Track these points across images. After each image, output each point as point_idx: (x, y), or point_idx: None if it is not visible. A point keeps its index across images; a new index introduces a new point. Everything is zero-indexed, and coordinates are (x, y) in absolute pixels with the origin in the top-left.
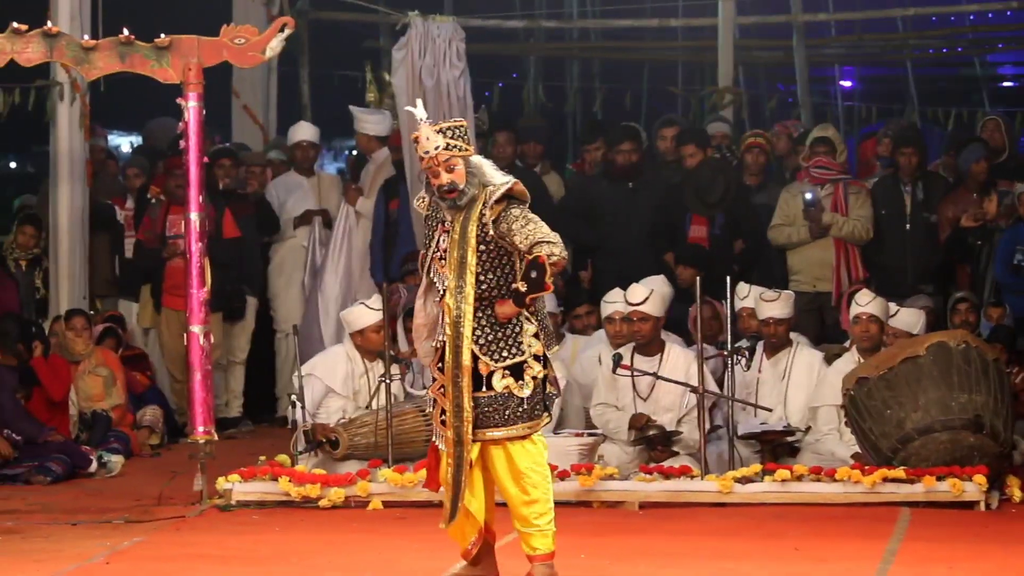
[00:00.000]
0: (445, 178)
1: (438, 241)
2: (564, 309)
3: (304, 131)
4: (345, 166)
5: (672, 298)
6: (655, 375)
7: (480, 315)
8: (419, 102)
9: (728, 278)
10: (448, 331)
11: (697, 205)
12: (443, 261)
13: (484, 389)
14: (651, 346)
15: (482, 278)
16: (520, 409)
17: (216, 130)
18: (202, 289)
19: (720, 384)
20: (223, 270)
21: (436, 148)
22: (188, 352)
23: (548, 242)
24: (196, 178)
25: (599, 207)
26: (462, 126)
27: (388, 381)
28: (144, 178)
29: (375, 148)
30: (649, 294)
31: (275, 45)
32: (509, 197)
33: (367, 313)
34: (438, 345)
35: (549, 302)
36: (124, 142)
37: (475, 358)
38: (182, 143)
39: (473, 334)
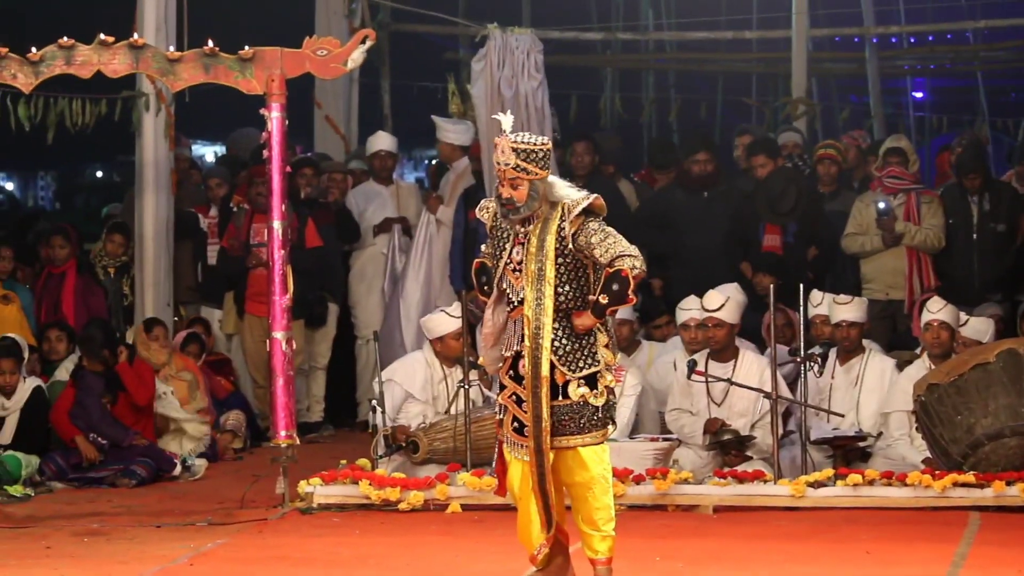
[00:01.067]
0: (506, 192)
1: (511, 252)
2: (640, 317)
3: (382, 141)
4: (425, 175)
5: (746, 306)
6: (729, 381)
7: (557, 326)
8: (508, 113)
9: (801, 285)
10: (527, 342)
11: (769, 214)
12: (518, 273)
13: (560, 398)
14: (725, 352)
15: (560, 290)
16: (595, 417)
17: (298, 140)
18: (285, 296)
19: (793, 390)
20: (305, 277)
21: (507, 164)
22: (271, 358)
23: (629, 255)
24: (279, 187)
25: (674, 216)
26: (543, 149)
27: (467, 387)
28: (227, 188)
29: (456, 157)
30: (725, 301)
31: (356, 57)
32: (587, 211)
33: (446, 320)
34: (509, 354)
35: (620, 311)
36: (208, 152)
37: (552, 367)
38: (265, 153)
39: (552, 345)
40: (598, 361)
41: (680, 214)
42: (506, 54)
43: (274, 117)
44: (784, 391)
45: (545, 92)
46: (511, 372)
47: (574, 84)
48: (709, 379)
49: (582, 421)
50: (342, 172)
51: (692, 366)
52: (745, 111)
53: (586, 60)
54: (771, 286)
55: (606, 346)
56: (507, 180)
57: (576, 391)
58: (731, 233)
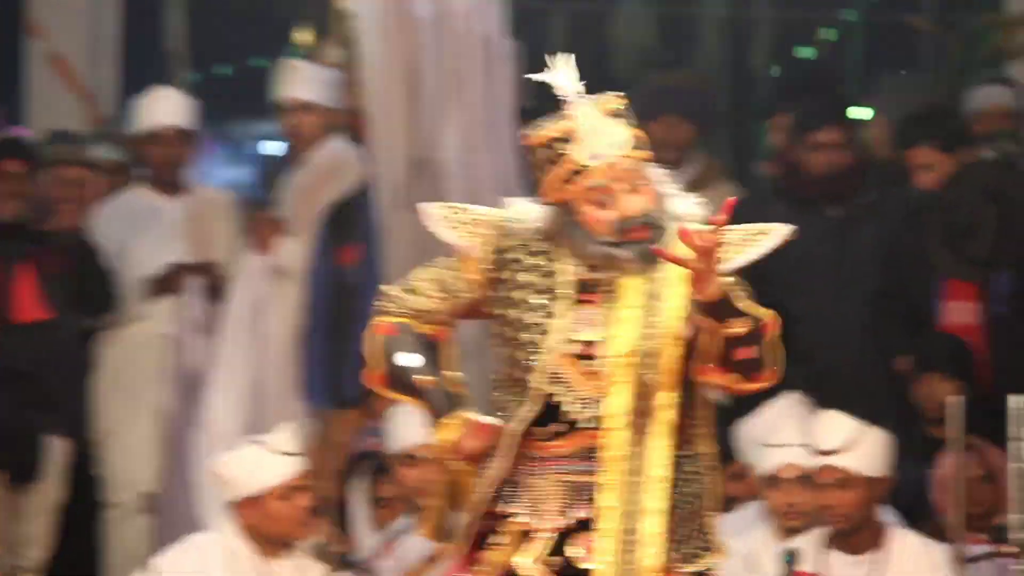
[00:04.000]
0: (635, 204)
1: (544, 319)
2: None
3: (167, 107)
4: (255, 176)
5: (899, 445)
6: None
7: (677, 474)
8: (567, 63)
9: (1015, 401)
10: (610, 503)
11: (952, 259)
12: (586, 363)
13: None
14: (858, 535)
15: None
16: None
17: None
18: None
19: None
20: (6, 387)
21: (620, 148)
22: None
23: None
24: None
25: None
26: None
27: None
28: None
29: (312, 136)
30: (855, 434)
31: None
32: None
33: (270, 463)
34: (548, 525)
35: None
36: None
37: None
38: None
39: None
40: (711, 545)
41: (779, 252)
42: None
43: None
44: None
45: (499, 7)
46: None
47: None
48: None
49: None
50: (82, 166)
51: (791, 560)
52: (907, 44)
53: None
54: (957, 401)
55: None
56: (626, 179)
57: None
58: (881, 295)
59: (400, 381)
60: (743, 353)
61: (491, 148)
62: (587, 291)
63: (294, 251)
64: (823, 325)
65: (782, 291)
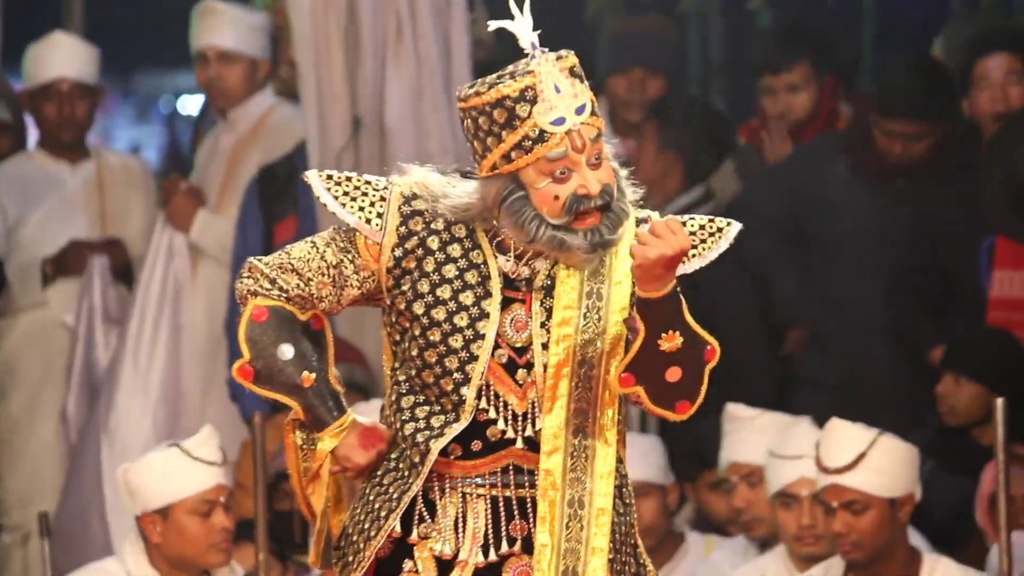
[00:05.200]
0: (597, 180)
1: (478, 323)
2: (682, 473)
3: (61, 56)
4: (167, 141)
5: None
6: None
7: (616, 490)
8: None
9: None
10: (547, 529)
11: (1010, 214)
12: (522, 372)
13: None
14: (884, 566)
15: (621, 409)
16: None
17: None
18: None
19: None
20: None
21: (581, 114)
22: None
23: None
24: None
25: (824, 227)
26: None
27: None
28: None
29: (236, 91)
30: (868, 446)
31: None
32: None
33: (183, 470)
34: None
35: (655, 469)
36: None
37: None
38: None
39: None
40: (646, 568)
41: (840, 221)
42: None
43: None
44: None
45: None
46: None
47: None
48: None
49: None
50: None
51: None
52: None
53: None
54: (998, 404)
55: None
56: (590, 152)
57: None
58: (911, 270)
59: (277, 377)
60: (673, 374)
61: (443, 106)
62: (513, 287)
63: (217, 227)
64: (849, 313)
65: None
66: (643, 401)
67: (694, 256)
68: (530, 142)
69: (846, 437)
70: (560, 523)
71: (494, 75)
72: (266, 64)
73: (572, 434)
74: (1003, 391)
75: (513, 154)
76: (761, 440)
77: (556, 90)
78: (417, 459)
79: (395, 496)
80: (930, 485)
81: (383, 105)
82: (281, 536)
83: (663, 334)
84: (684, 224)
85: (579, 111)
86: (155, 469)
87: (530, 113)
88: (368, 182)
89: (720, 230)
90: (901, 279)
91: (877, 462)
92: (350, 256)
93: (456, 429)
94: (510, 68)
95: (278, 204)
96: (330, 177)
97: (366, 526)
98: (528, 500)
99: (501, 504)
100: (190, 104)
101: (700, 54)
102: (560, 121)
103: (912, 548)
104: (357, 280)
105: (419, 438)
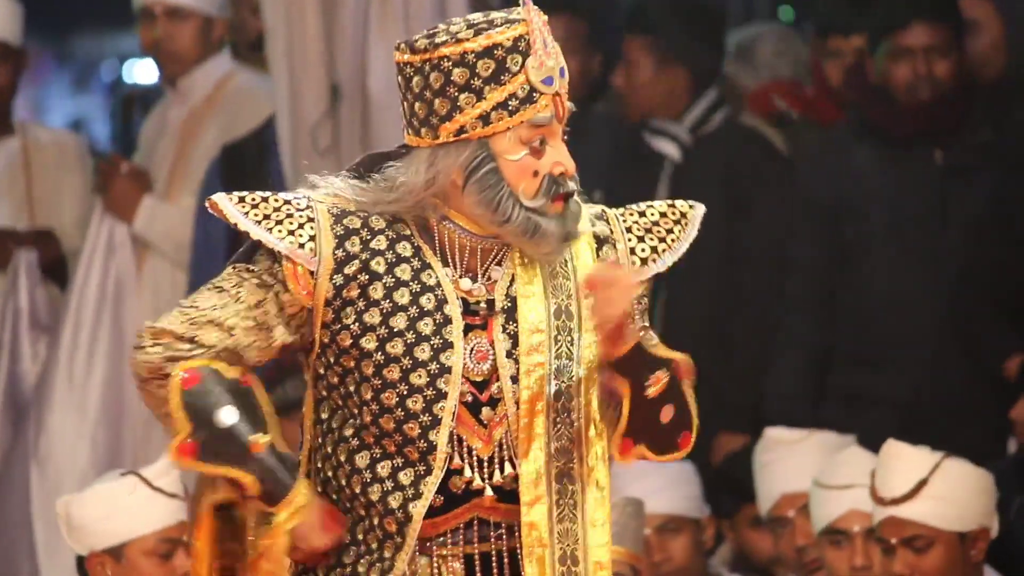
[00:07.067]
0: (568, 158)
1: (437, 352)
2: (719, 506)
3: None
4: (111, 112)
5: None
6: None
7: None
8: None
9: None
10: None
11: None
12: (481, 412)
13: None
14: None
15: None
16: None
17: None
18: None
19: None
20: None
21: (563, 76)
22: None
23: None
24: None
25: (846, 216)
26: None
27: None
28: None
29: (188, 55)
30: (930, 472)
31: None
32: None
33: (138, 505)
34: None
35: (688, 501)
36: None
37: None
38: None
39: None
40: None
41: (857, 208)
42: None
43: None
44: None
45: None
46: None
47: None
48: None
49: None
50: None
51: None
52: None
53: None
54: None
55: None
56: (563, 119)
57: None
58: (981, 271)
59: (224, 448)
60: (667, 414)
61: None
62: (469, 312)
63: (166, 216)
64: (911, 318)
65: (852, 270)
66: (648, 457)
67: (664, 251)
68: (516, 101)
69: (905, 462)
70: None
71: (468, 20)
72: (222, 22)
73: (555, 479)
74: None
75: (493, 115)
76: (813, 464)
77: (544, 44)
78: (394, 529)
79: None
80: (1016, 522)
81: (366, 71)
82: None
83: (647, 381)
84: (644, 214)
85: (562, 72)
86: (107, 502)
87: (522, 66)
88: (287, 202)
89: (684, 215)
90: (967, 276)
91: (942, 490)
92: (274, 291)
93: (432, 484)
94: (491, 15)
95: (240, 188)
96: (243, 200)
97: None
98: (505, 552)
99: (477, 561)
100: (137, 70)
101: None
102: (549, 80)
103: None
104: (283, 320)
105: (391, 503)
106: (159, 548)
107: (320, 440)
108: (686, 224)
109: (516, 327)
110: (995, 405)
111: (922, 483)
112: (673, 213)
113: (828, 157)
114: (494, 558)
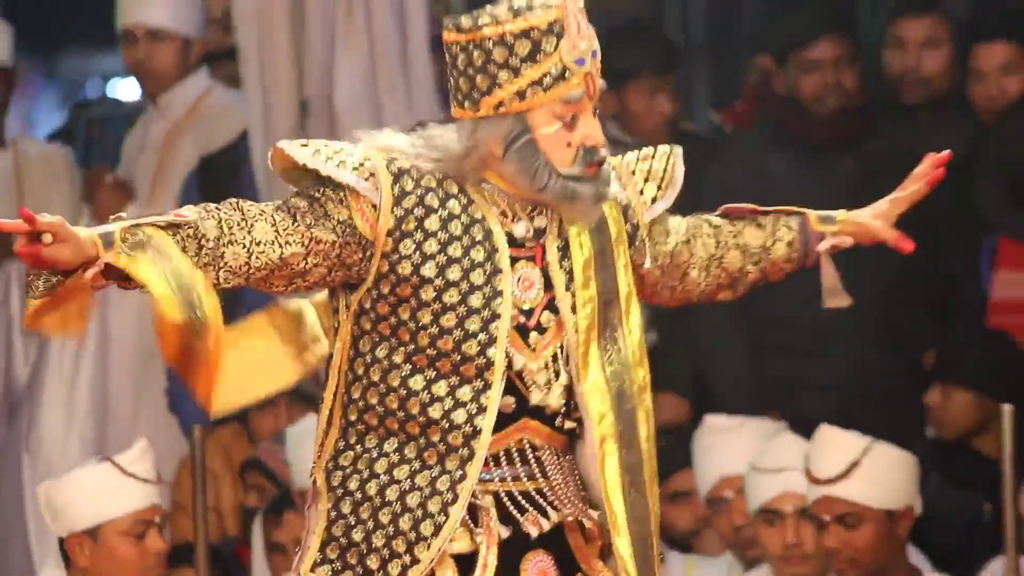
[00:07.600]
0: (599, 131)
1: (490, 276)
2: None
3: None
4: (79, 129)
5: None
6: None
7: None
8: None
9: None
10: (624, 510)
11: (1010, 213)
12: (541, 338)
13: None
14: None
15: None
16: None
17: None
18: None
19: None
20: None
21: (596, 57)
22: None
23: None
24: None
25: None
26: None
27: None
28: None
29: (167, 73)
30: (861, 454)
31: None
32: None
33: (115, 488)
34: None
35: None
36: None
37: None
38: None
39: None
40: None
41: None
42: None
43: None
44: None
45: None
46: None
47: None
48: None
49: None
50: None
51: None
52: None
53: None
54: (1006, 413)
55: None
56: (596, 97)
57: None
58: (903, 270)
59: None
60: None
61: (400, 88)
62: (515, 244)
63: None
64: (833, 318)
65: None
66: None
67: (667, 187)
68: (550, 79)
69: (837, 445)
70: (624, 495)
71: (510, 3)
72: (200, 43)
73: (614, 399)
74: (1001, 396)
75: (529, 91)
76: (750, 448)
77: (578, 28)
78: (460, 442)
79: (444, 489)
80: (934, 501)
81: (332, 87)
82: (225, 561)
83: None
84: (640, 160)
85: (594, 54)
86: (84, 486)
87: (556, 47)
88: (342, 148)
89: (666, 154)
90: (889, 273)
91: (871, 471)
92: (348, 219)
93: (494, 398)
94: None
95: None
96: (305, 145)
97: (403, 528)
98: (533, 492)
99: (511, 497)
100: (121, 88)
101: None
102: (581, 61)
103: (912, 567)
104: (357, 246)
105: (456, 419)
106: (133, 529)
107: (362, 371)
108: (671, 159)
109: (571, 263)
110: (917, 394)
111: (854, 464)
112: (654, 152)
113: (744, 162)
114: (527, 496)
